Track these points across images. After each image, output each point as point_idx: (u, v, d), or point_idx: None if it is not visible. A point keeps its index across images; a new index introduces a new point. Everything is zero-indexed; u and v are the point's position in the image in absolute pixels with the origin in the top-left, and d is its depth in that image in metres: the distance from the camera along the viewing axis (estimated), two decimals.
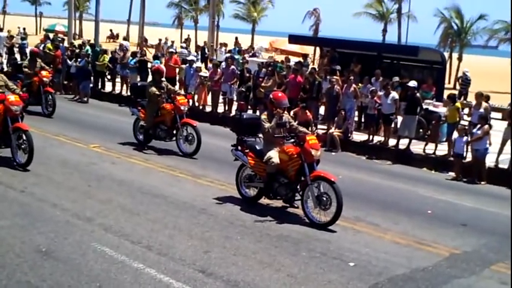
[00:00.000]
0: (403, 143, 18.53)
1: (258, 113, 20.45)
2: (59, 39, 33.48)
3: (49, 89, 21.52)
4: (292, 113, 18.25)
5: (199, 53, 36.87)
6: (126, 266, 8.44)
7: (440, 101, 21.18)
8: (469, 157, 16.67)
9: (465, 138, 16.76)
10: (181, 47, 36.93)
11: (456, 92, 21.80)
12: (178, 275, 8.25)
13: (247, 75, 22.94)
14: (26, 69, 21.52)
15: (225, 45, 40.23)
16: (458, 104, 18.53)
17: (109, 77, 28.07)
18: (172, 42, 42.33)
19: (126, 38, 59.48)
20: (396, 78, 20.39)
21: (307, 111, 19.08)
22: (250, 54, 34.34)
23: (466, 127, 17.42)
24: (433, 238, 10.87)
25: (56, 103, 21.31)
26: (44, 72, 21.52)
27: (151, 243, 9.38)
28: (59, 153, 15.46)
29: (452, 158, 16.95)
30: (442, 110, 19.50)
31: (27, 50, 32.53)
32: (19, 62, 24.33)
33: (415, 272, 9.11)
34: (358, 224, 11.32)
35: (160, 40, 43.98)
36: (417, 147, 18.57)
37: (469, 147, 16.59)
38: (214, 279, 8.19)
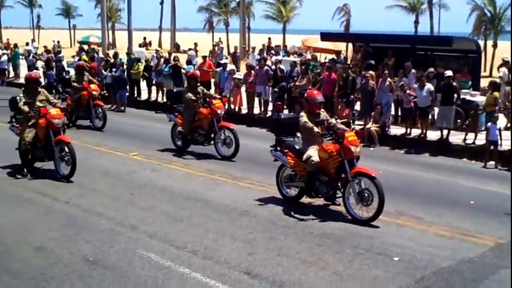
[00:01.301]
0: (443, 133, 18.36)
1: (293, 112, 20.49)
2: (94, 50, 33.94)
3: (99, 102, 21.48)
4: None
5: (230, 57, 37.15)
6: (172, 271, 8.56)
7: (477, 90, 20.94)
8: (508, 145, 16.47)
9: (498, 125, 16.60)
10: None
11: (497, 80, 21.45)
12: (224, 278, 8.34)
13: (280, 75, 22.94)
14: (75, 84, 21.47)
15: (253, 49, 40.26)
16: (496, 93, 18.31)
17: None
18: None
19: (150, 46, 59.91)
20: (431, 69, 20.20)
21: (346, 107, 19.07)
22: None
23: (497, 114, 17.21)
24: (478, 229, 10.78)
25: (107, 116, 21.34)
26: (92, 86, 21.52)
27: (196, 247, 9.48)
28: (100, 163, 15.68)
29: (491, 147, 16.73)
30: (479, 99, 19.30)
31: (64, 63, 33.02)
32: (67, 77, 24.54)
33: (461, 264, 9.06)
34: (401, 218, 11.27)
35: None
36: (457, 137, 18.40)
37: (510, 134, 16.40)
38: (259, 281, 8.25)
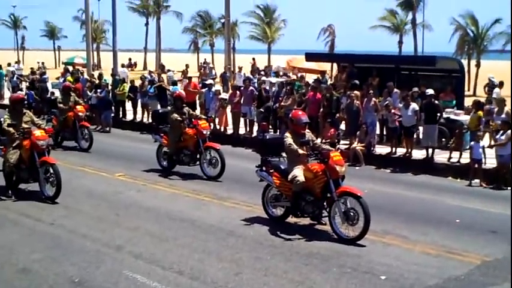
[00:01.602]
0: (428, 152, 18.46)
1: (279, 132, 20.55)
2: (79, 71, 33.91)
3: (85, 123, 21.45)
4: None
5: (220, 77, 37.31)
6: None
7: (462, 109, 21.09)
8: (493, 163, 16.58)
9: (482, 143, 16.75)
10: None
11: (482, 99, 21.62)
12: None
13: (265, 95, 23.01)
14: (61, 105, 21.43)
15: (240, 68, 40.42)
16: (480, 113, 18.44)
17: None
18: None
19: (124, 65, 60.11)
20: (415, 89, 20.35)
21: (331, 127, 19.16)
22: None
23: (481, 133, 17.35)
24: (463, 247, 10.82)
25: (93, 137, 21.25)
26: (78, 107, 21.49)
27: (182, 268, 9.44)
28: (85, 184, 15.61)
29: (475, 165, 16.80)
30: (463, 118, 19.42)
31: (48, 85, 32.93)
32: (52, 98, 24.47)
33: (447, 282, 9.08)
34: (387, 237, 11.29)
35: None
36: (441, 156, 18.49)
37: (494, 153, 16.51)
38: None
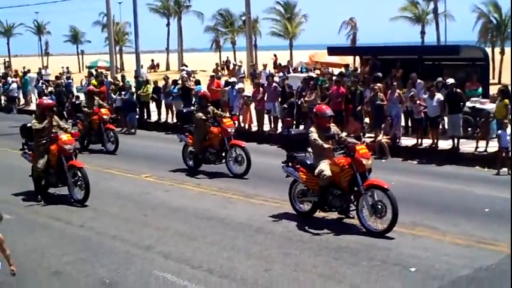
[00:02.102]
0: (454, 142, 18.31)
1: (303, 128, 20.53)
2: (103, 74, 34.14)
3: (110, 126, 21.59)
4: None
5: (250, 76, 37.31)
6: None
7: (487, 97, 20.88)
8: None
9: (509, 131, 16.58)
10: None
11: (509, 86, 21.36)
12: None
13: (288, 91, 22.98)
14: (86, 109, 21.64)
15: (265, 66, 40.39)
16: (506, 100, 18.24)
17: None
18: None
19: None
20: (439, 79, 20.18)
21: (356, 121, 19.12)
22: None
23: (507, 120, 17.16)
24: (493, 236, 10.73)
25: (119, 139, 21.38)
26: (103, 110, 21.66)
27: (212, 266, 9.49)
28: (112, 186, 15.74)
29: (503, 154, 16.63)
30: (489, 106, 19.21)
31: (73, 89, 33.27)
32: (77, 102, 24.70)
33: (478, 272, 9.03)
34: (416, 229, 11.24)
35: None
36: (468, 146, 18.34)
37: None
38: None
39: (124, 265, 9.70)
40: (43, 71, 44.94)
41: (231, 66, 46.60)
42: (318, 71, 32.55)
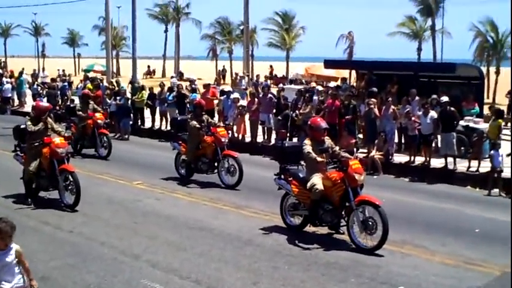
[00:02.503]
0: (447, 161, 18.33)
1: (296, 140, 20.54)
2: (99, 79, 34.08)
3: (104, 130, 21.50)
4: None
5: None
6: None
7: (481, 117, 20.94)
8: (509, 172, 16.43)
9: (501, 152, 16.64)
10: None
11: (502, 107, 21.46)
12: None
13: (284, 103, 22.99)
14: (80, 113, 21.55)
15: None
16: (500, 121, 18.31)
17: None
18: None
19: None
20: (434, 96, 20.25)
21: (349, 135, 19.14)
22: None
23: (498, 141, 17.21)
24: (483, 257, 10.73)
25: (112, 145, 21.29)
26: (97, 115, 21.57)
27: (200, 277, 9.46)
28: (103, 191, 15.69)
29: (495, 175, 16.65)
30: (483, 126, 19.28)
31: (68, 92, 33.19)
32: (72, 106, 24.64)
33: None
34: (406, 247, 11.23)
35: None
36: (460, 165, 18.35)
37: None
38: None
39: (112, 272, 9.65)
40: (41, 73, 44.85)
41: (234, 76, 46.41)
42: (314, 84, 32.56)
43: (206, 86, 26.64)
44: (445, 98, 18.71)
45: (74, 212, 13.47)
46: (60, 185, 13.86)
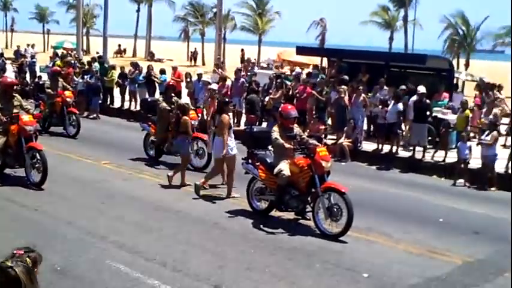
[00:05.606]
0: (415, 150, 18.52)
1: (264, 125, 20.59)
2: (70, 56, 33.58)
3: (73, 109, 21.22)
4: None
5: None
6: (141, 283, 8.53)
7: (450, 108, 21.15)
8: (478, 163, 16.66)
9: (468, 143, 16.85)
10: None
11: (470, 99, 21.70)
12: None
13: (256, 88, 22.94)
14: (49, 90, 21.14)
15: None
16: (467, 112, 18.54)
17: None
18: None
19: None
20: (403, 87, 20.39)
21: (319, 122, 19.23)
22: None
23: (465, 133, 17.41)
24: (446, 246, 10.88)
25: (81, 123, 21.09)
26: (67, 93, 21.26)
27: (166, 259, 9.45)
28: (71, 170, 15.56)
29: (461, 165, 16.86)
30: (451, 117, 19.48)
31: (37, 68, 32.69)
32: (41, 82, 24.28)
33: (429, 282, 9.14)
34: (371, 235, 11.35)
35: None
36: (427, 154, 18.55)
37: (479, 153, 16.58)
38: None
39: (77, 252, 9.60)
40: (30, 49, 43.80)
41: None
42: (286, 69, 32.56)
43: (173, 68, 26.50)
44: (422, 89, 18.71)
45: (40, 191, 13.34)
46: (27, 162, 13.70)
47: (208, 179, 13.89)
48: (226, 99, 15.66)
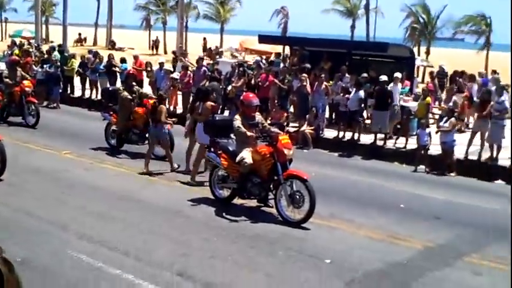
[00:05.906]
0: (374, 138, 18.70)
1: (227, 113, 20.57)
2: (29, 45, 33.09)
3: (32, 99, 20.87)
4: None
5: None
6: (103, 272, 8.47)
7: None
8: (438, 150, 16.89)
9: (428, 130, 17.08)
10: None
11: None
12: (157, 279, 8.29)
13: (213, 75, 22.84)
14: (7, 80, 20.77)
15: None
16: (428, 99, 18.77)
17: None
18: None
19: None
20: (364, 75, 20.56)
21: (281, 110, 19.29)
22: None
23: (424, 120, 17.64)
24: (407, 232, 11.02)
25: (41, 113, 20.78)
26: (25, 82, 20.87)
27: (128, 248, 9.39)
28: (30, 161, 15.36)
29: (422, 152, 17.07)
30: (412, 104, 19.70)
31: None
32: None
33: (390, 267, 9.24)
34: (333, 221, 11.43)
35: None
36: (388, 141, 18.75)
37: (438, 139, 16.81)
38: (192, 282, 8.24)
39: (38, 244, 9.48)
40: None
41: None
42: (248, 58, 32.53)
43: (134, 57, 26.30)
44: (383, 77, 18.90)
45: None
46: None
47: (196, 167, 13.86)
48: (207, 88, 16.04)
